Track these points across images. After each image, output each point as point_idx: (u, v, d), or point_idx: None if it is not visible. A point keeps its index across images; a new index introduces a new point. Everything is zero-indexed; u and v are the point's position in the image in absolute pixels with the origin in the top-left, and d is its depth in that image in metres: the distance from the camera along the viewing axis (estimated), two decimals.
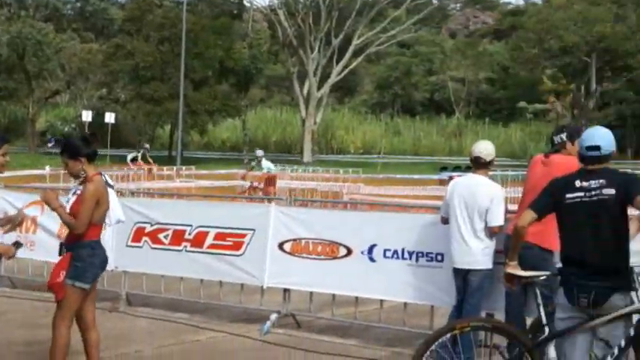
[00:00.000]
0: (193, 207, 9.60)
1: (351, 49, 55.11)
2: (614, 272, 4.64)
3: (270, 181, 20.54)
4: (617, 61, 55.37)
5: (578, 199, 4.72)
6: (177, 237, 8.81)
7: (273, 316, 8.21)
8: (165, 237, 8.89)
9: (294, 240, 8.23)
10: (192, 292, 8.90)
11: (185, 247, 8.76)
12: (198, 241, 8.68)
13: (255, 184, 20.48)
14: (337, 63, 55.47)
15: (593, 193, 4.68)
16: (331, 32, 54.87)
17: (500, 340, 5.66)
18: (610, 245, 4.66)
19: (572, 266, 4.75)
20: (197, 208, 9.44)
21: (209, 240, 8.63)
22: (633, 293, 4.81)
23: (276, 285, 8.41)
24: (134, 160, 29.33)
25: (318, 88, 54.78)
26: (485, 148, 6.82)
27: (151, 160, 29.86)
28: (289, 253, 8.25)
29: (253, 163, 22.49)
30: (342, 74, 56.43)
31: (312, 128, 54.85)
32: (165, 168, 29.71)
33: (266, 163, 21.70)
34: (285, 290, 8.43)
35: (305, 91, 55.07)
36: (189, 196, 15.75)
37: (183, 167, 30.58)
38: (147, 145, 32.27)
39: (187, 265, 8.74)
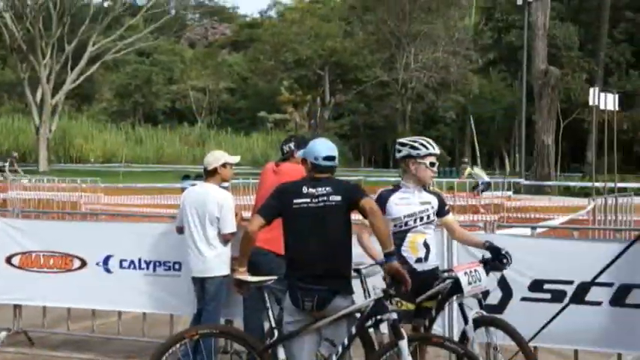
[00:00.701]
0: None
1: (86, 55, 53.31)
2: (337, 276, 4.88)
3: None
4: (347, 74, 58.72)
5: (305, 205, 4.92)
6: None
7: (3, 334, 7.83)
8: None
9: (24, 253, 7.89)
10: None
11: None
12: None
13: None
14: (72, 70, 53.39)
15: (320, 199, 4.90)
16: (64, 38, 52.65)
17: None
18: (334, 250, 4.88)
19: (297, 271, 4.93)
20: None
21: None
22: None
23: (5, 301, 8.03)
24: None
25: (53, 95, 52.38)
26: (207, 158, 6.96)
27: (19, 169, 28.17)
28: (19, 267, 7.89)
29: None
30: (78, 81, 54.42)
31: (48, 136, 52.36)
32: None
33: None
34: (16, 306, 8.06)
35: (38, 98, 52.42)
36: None
37: None
38: (15, 154, 30.32)
39: None
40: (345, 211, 4.91)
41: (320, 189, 4.93)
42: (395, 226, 5.43)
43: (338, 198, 4.89)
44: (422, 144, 5.55)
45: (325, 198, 4.90)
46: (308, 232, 4.91)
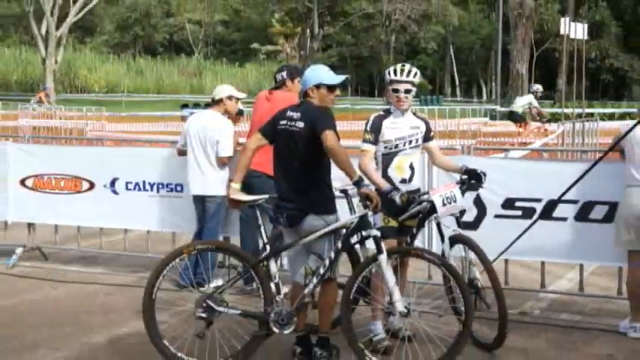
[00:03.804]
0: None
1: None
2: (304, 196, 4.87)
3: None
4: (335, 6, 57.73)
5: (283, 127, 4.95)
6: None
7: (19, 250, 7.94)
8: None
9: (36, 176, 7.96)
10: None
11: None
12: None
13: None
14: (74, 2, 52.34)
15: (291, 123, 4.92)
16: None
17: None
18: (299, 173, 4.89)
19: (277, 189, 5.02)
20: None
21: None
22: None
23: (20, 220, 8.14)
24: None
25: (57, 28, 51.46)
26: (216, 88, 7.20)
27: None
28: (32, 189, 7.98)
29: None
30: (81, 14, 53.39)
31: (54, 68, 51.66)
32: None
33: None
34: (30, 224, 8.17)
35: (43, 31, 51.50)
36: None
37: None
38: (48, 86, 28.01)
39: None
40: (309, 137, 4.82)
41: (295, 114, 4.93)
42: (385, 147, 5.43)
43: (301, 125, 4.86)
44: (388, 71, 5.49)
45: (293, 123, 4.89)
46: (282, 153, 4.98)
